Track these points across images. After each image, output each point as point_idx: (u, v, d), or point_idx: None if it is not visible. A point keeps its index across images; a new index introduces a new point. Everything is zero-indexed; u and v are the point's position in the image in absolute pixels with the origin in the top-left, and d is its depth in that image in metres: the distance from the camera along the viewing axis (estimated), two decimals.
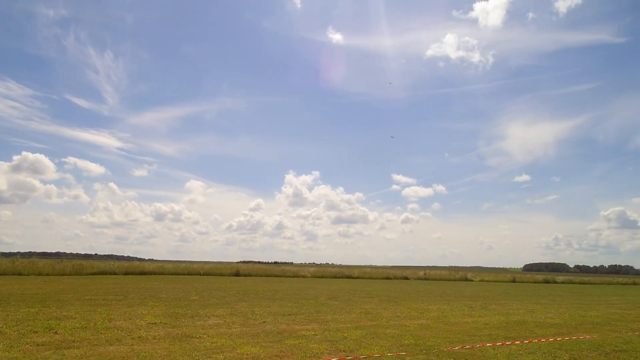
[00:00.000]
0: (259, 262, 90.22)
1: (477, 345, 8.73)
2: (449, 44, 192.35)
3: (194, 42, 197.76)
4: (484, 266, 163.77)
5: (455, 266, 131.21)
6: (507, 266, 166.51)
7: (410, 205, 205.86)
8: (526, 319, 13.88)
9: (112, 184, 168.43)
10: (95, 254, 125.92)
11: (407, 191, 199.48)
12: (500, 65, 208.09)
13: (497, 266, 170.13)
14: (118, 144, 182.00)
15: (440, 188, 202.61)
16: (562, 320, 13.87)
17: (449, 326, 11.53)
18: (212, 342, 8.05)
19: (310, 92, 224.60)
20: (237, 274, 39.57)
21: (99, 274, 32.00)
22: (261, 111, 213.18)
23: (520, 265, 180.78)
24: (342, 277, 44.26)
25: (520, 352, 8.28)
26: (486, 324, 12.32)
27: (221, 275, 38.19)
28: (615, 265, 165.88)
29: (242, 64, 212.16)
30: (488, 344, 8.90)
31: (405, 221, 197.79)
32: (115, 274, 32.77)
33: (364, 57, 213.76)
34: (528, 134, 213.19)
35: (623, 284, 57.69)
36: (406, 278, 48.31)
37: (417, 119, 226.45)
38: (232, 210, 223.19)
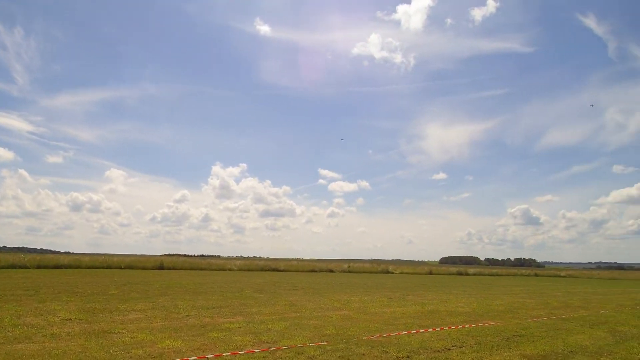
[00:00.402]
0: (185, 255, 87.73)
1: (394, 334, 9.28)
2: (373, 43, 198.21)
3: (114, 23, 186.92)
4: (405, 259, 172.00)
5: (378, 259, 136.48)
6: (426, 259, 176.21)
7: (336, 200, 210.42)
8: (439, 308, 14.88)
9: (22, 171, 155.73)
10: (4, 247, 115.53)
11: (333, 186, 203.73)
12: (420, 67, 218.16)
13: (416, 259, 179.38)
14: (29, 127, 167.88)
15: (365, 184, 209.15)
16: (471, 309, 15.04)
17: (369, 316, 12.09)
18: (131, 338, 7.83)
19: (238, 83, 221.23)
20: (160, 267, 38.23)
21: (7, 267, 29.46)
22: (186, 99, 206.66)
23: (437, 258, 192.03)
24: (268, 270, 44.31)
25: (432, 338, 8.93)
26: (403, 313, 13.05)
27: (144, 268, 36.70)
28: (520, 258, 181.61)
29: (166, 49, 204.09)
30: (404, 332, 9.49)
31: (331, 215, 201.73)
32: (26, 267, 30.38)
33: (292, 50, 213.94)
34: (445, 135, 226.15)
35: (526, 275, 63.29)
36: (331, 271, 49.35)
37: (343, 115, 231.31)
38: (155, 201, 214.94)
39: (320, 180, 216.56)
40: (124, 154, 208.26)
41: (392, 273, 52.11)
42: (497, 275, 60.68)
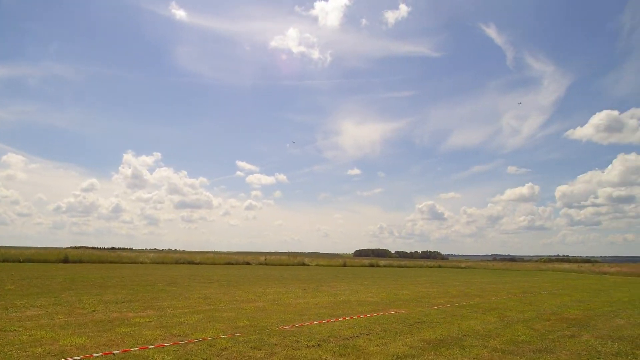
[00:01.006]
0: (93, 248, 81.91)
1: (306, 324, 9.62)
2: (291, 37, 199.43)
3: None
4: (321, 252, 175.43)
5: (295, 252, 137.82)
6: (341, 252, 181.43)
7: (254, 192, 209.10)
8: (350, 298, 15.57)
9: None
10: None
11: (250, 178, 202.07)
12: (337, 64, 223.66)
13: (332, 252, 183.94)
14: None
15: (282, 177, 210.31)
16: (379, 298, 15.92)
17: (283, 307, 12.36)
18: (29, 335, 7.35)
19: (152, 67, 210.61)
20: (65, 261, 35.59)
21: None
22: (95, 82, 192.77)
23: (351, 251, 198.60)
24: (183, 263, 43.08)
25: (342, 327, 9.41)
26: (316, 304, 13.50)
27: (46, 262, 34.00)
28: (427, 251, 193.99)
29: (73, 27, 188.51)
30: (315, 322, 9.87)
31: (249, 208, 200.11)
32: None
33: (210, 38, 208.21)
34: (359, 132, 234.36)
35: (431, 267, 67.69)
36: (248, 263, 49.14)
37: (261, 107, 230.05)
38: (60, 190, 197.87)
39: (238, 172, 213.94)
40: (23, 138, 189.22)
41: (308, 265, 53.09)
42: (406, 267, 64.26)
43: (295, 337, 8.13)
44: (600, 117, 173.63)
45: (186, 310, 10.98)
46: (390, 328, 9.50)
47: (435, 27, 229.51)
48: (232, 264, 47.73)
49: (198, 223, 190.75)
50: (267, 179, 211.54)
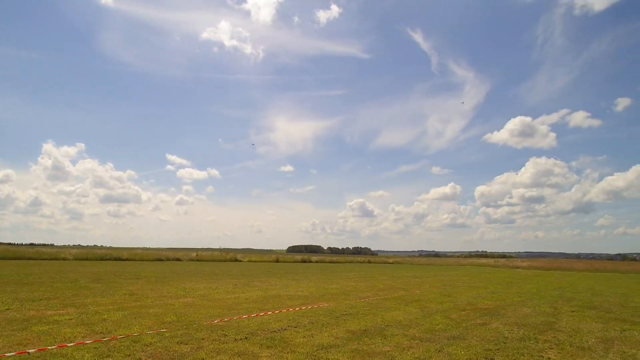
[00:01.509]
0: (9, 244, 75.40)
1: (235, 318, 9.69)
2: (223, 30, 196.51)
3: None
4: (255, 248, 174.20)
5: (228, 248, 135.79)
6: (274, 248, 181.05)
7: (185, 187, 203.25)
8: (281, 293, 15.77)
9: None
10: None
11: (181, 172, 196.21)
12: (269, 60, 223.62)
13: (265, 248, 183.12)
14: None
15: (215, 172, 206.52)
16: (309, 292, 16.27)
17: (213, 302, 12.31)
18: None
19: (74, 53, 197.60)
20: None
21: None
22: (12, 65, 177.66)
23: (285, 247, 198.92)
24: (110, 260, 41.14)
25: (271, 320, 9.58)
26: (246, 299, 13.56)
27: None
28: (358, 247, 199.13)
29: None
30: (245, 316, 9.96)
31: (180, 203, 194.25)
32: None
33: (136, 26, 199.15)
34: (292, 128, 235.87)
35: (361, 262, 69.74)
36: (178, 259, 47.88)
37: (192, 100, 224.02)
38: None
39: (168, 166, 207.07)
40: None
41: (241, 261, 52.70)
42: (337, 262, 65.65)
43: (223, 331, 8.19)
44: (514, 123, 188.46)
45: (110, 307, 10.61)
46: (317, 320, 9.80)
47: (366, 29, 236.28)
48: (162, 260, 46.30)
49: (126, 218, 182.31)
50: (199, 174, 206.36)
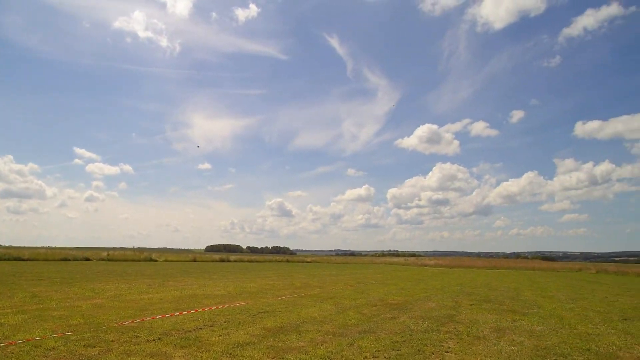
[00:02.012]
0: None
1: (148, 319, 9.42)
2: (137, 21, 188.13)
3: None
4: (171, 247, 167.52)
5: (143, 247, 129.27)
6: (192, 247, 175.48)
7: (95, 183, 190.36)
8: (197, 292, 15.48)
9: None
10: None
11: (91, 167, 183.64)
12: (186, 55, 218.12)
13: (182, 247, 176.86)
14: None
15: (128, 168, 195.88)
16: (226, 291, 16.14)
17: (124, 303, 11.81)
18: None
19: None
20: None
21: None
22: None
23: (203, 246, 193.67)
24: (8, 260, 37.53)
25: (186, 320, 9.45)
26: (161, 299, 13.17)
27: None
28: (277, 246, 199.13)
29: None
30: (158, 317, 9.71)
31: (90, 199, 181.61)
32: None
33: (41, 8, 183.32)
34: (210, 126, 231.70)
35: (279, 261, 69.89)
36: (87, 259, 44.86)
37: (102, 91, 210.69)
38: None
39: (77, 160, 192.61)
40: None
41: (156, 261, 50.57)
42: (256, 261, 65.21)
43: (134, 332, 7.95)
44: (423, 130, 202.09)
45: (8, 311, 9.81)
46: (233, 319, 9.83)
47: (284, 31, 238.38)
48: (69, 260, 43.07)
49: (28, 215, 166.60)
50: (111, 169, 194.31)
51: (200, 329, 8.53)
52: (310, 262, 72.89)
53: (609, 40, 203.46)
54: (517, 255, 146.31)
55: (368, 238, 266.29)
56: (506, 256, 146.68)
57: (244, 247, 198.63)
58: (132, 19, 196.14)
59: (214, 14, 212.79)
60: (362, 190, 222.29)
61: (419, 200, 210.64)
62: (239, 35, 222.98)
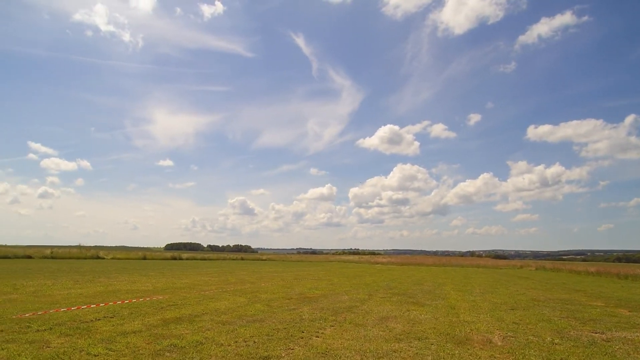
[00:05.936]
0: None
1: (51, 311, 9.81)
2: (99, 14, 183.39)
3: None
4: (130, 245, 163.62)
5: (100, 245, 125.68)
6: (151, 245, 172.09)
7: (50, 179, 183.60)
8: (122, 288, 15.79)
9: None
10: None
11: (47, 162, 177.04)
12: (149, 50, 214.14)
13: (142, 245, 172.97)
14: None
15: (85, 163, 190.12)
16: (153, 287, 16.52)
17: (38, 298, 12.08)
18: None
19: None
20: None
21: None
22: None
23: (163, 244, 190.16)
24: None
25: (89, 312, 9.86)
26: (80, 294, 13.44)
27: None
28: (239, 245, 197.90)
29: None
30: (63, 309, 10.11)
31: (44, 196, 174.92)
32: None
33: None
34: (172, 122, 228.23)
35: (233, 259, 69.93)
36: (29, 257, 43.69)
37: (59, 84, 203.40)
38: None
39: (31, 155, 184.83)
40: None
41: (103, 258, 49.73)
42: (209, 259, 65.12)
43: (29, 323, 8.35)
44: (384, 131, 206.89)
45: None
46: (138, 311, 10.31)
47: (249, 29, 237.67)
48: (9, 257, 41.89)
49: None
50: (67, 165, 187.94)
51: (98, 320, 8.97)
52: (265, 260, 73.25)
53: (562, 48, 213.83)
54: (471, 254, 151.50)
55: (330, 236, 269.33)
56: (462, 254, 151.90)
57: (205, 245, 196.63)
58: (93, 11, 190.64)
59: (178, 9, 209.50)
60: (324, 189, 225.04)
61: (380, 199, 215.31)
62: (203, 32, 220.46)
